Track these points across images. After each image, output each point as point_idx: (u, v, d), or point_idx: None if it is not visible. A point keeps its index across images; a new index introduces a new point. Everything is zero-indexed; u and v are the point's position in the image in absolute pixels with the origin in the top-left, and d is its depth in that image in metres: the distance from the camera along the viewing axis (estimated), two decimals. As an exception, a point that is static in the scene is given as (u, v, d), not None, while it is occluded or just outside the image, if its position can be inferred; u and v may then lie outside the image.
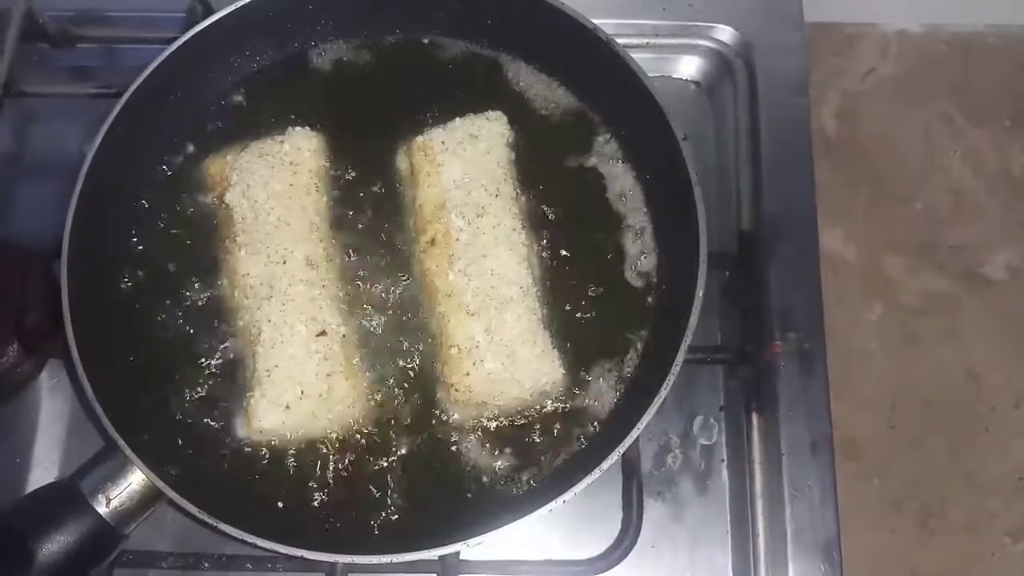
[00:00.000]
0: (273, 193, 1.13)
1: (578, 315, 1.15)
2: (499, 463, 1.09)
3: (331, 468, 1.09)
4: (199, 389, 1.12)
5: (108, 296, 1.14)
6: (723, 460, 1.20)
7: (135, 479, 0.99)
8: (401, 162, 1.20)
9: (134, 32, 1.36)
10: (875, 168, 1.77)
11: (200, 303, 1.15)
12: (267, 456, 1.09)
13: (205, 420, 1.10)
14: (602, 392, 1.12)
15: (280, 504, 1.08)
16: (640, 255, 1.18)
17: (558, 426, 1.11)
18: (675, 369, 1.02)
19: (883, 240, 1.74)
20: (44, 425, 1.21)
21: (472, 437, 1.10)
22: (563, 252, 1.17)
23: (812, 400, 1.15)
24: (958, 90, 1.82)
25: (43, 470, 1.19)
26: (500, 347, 1.07)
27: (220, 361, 1.13)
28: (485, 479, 1.09)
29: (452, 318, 1.09)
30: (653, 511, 1.16)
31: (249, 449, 1.09)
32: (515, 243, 1.11)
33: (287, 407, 1.05)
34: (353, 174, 1.20)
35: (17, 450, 1.20)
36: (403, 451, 1.10)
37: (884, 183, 1.77)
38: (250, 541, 0.97)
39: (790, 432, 1.14)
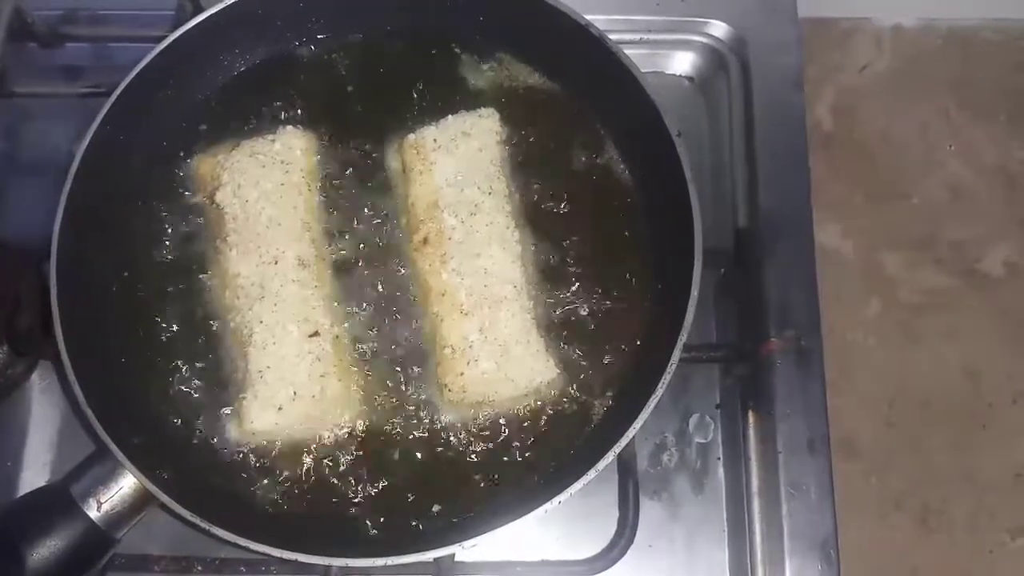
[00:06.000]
0: (264, 192, 1.12)
1: (572, 313, 1.14)
2: (494, 463, 1.08)
3: (324, 470, 1.08)
4: (191, 391, 1.11)
5: (98, 297, 1.13)
6: (719, 458, 1.20)
7: (127, 483, 0.98)
8: (393, 160, 1.19)
9: (123, 31, 1.35)
10: (872, 163, 1.77)
11: (191, 304, 1.14)
12: (260, 458, 1.08)
13: (197, 422, 1.10)
14: (597, 391, 1.11)
15: (273, 507, 1.07)
16: (635, 253, 1.17)
17: (553, 426, 1.10)
18: (671, 367, 1.01)
19: (880, 236, 1.74)
20: (35, 428, 1.20)
21: (467, 437, 1.09)
22: (556, 250, 1.16)
23: (809, 398, 1.14)
24: (955, 85, 1.82)
25: (33, 473, 1.18)
26: (494, 346, 1.06)
27: (212, 362, 1.12)
28: (480, 479, 1.08)
29: (446, 318, 1.08)
30: (649, 510, 1.15)
31: (242, 451, 1.08)
32: (508, 241, 1.11)
33: (280, 408, 1.05)
34: (345, 173, 1.20)
35: (7, 453, 1.19)
36: (397, 452, 1.09)
37: (881, 178, 1.77)
38: (243, 544, 0.96)
39: (787, 430, 1.13)
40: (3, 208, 1.32)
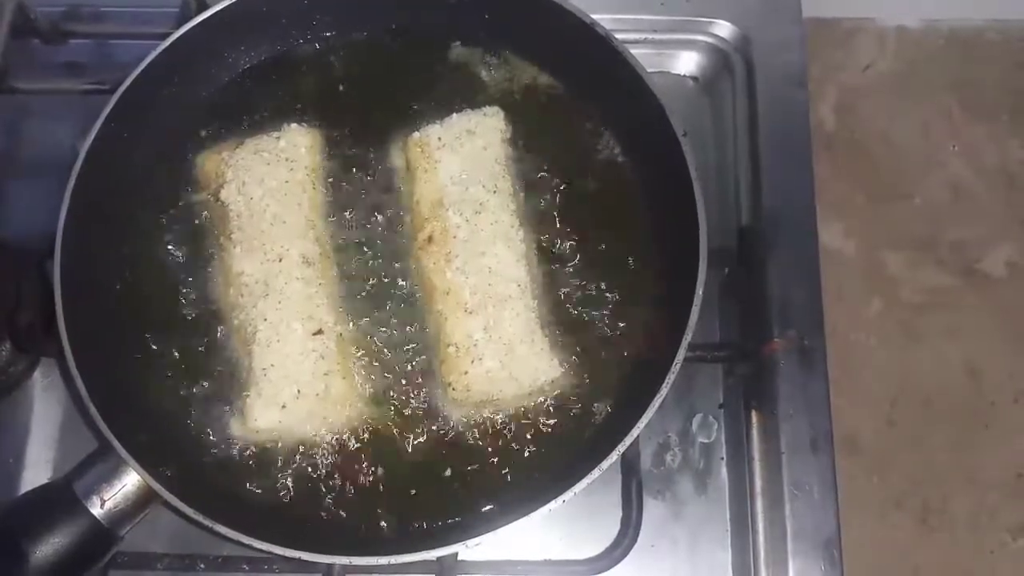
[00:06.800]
0: (269, 190, 1.12)
1: (576, 312, 1.14)
2: (497, 462, 1.08)
3: (328, 468, 1.08)
4: (194, 388, 1.11)
5: (102, 295, 1.13)
6: (722, 458, 1.20)
7: (130, 480, 0.98)
8: (398, 158, 1.19)
9: (127, 27, 1.35)
10: (874, 163, 1.77)
11: (195, 301, 1.14)
12: (263, 456, 1.08)
13: (201, 420, 1.09)
14: (601, 390, 1.11)
15: (276, 505, 1.07)
16: (638, 252, 1.16)
17: (557, 425, 1.10)
18: (675, 367, 1.01)
19: (882, 235, 1.73)
20: (37, 425, 1.20)
21: (470, 436, 1.09)
22: (561, 249, 1.16)
23: (812, 397, 1.14)
24: (957, 85, 1.81)
25: (37, 471, 1.18)
26: (498, 345, 1.06)
27: (215, 360, 1.11)
28: (483, 478, 1.08)
29: (450, 316, 1.08)
30: (653, 510, 1.15)
31: (245, 449, 1.08)
32: (513, 240, 1.10)
33: (283, 406, 1.04)
34: (350, 170, 1.20)
35: (10, 451, 1.19)
36: (400, 450, 1.09)
37: (883, 178, 1.76)
38: (246, 542, 0.96)
39: (790, 429, 1.13)
40: (5, 205, 1.31)
